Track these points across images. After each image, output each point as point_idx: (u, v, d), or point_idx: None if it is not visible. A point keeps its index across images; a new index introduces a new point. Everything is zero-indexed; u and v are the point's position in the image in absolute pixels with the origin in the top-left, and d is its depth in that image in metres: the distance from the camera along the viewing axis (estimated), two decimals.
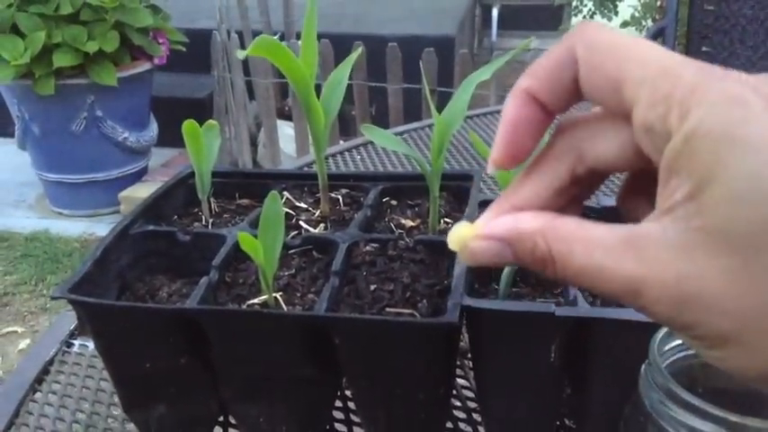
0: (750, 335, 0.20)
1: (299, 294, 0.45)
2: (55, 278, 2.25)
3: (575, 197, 0.26)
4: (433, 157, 0.48)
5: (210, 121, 0.54)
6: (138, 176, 2.64)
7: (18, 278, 2.27)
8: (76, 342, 0.61)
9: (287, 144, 2.63)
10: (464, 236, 0.25)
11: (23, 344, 1.99)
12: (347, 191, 0.56)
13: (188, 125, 0.50)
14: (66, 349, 0.60)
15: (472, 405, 0.52)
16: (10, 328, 2.07)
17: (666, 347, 0.32)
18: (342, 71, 0.51)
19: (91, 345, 0.60)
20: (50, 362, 0.58)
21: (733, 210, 0.19)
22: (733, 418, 0.28)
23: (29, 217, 2.62)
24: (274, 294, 0.44)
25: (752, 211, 0.19)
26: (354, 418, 0.51)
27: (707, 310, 0.20)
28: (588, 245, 0.22)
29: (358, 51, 0.52)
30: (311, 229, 0.51)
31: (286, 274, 0.47)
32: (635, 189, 0.25)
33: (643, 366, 0.32)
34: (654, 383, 0.31)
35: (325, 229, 0.52)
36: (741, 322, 0.20)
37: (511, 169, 0.25)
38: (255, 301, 0.44)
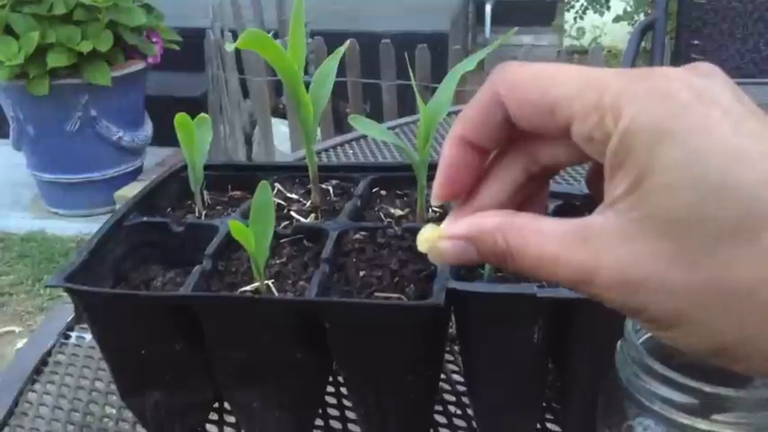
0: (695, 313, 0.21)
1: (290, 282, 0.47)
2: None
3: (533, 193, 0.27)
4: (420, 146, 0.49)
5: (203, 114, 0.55)
6: (133, 176, 2.65)
7: (15, 278, 2.28)
8: (73, 334, 0.62)
9: (282, 142, 2.63)
10: (431, 237, 0.26)
11: (21, 343, 2.00)
12: (337, 182, 0.58)
13: (180, 118, 0.51)
14: (64, 341, 0.61)
15: (461, 389, 0.53)
16: (7, 328, 2.08)
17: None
18: (330, 64, 0.52)
19: (87, 336, 0.61)
20: (48, 353, 0.59)
21: (666, 199, 0.21)
22: (706, 388, 0.29)
23: (24, 217, 2.63)
24: (266, 282, 0.46)
25: (682, 199, 0.20)
26: (346, 403, 0.52)
27: (653, 293, 0.21)
28: (542, 237, 0.23)
29: (346, 45, 0.53)
30: (302, 219, 0.53)
31: (277, 262, 0.48)
32: (599, 173, 0.26)
33: (619, 342, 0.33)
34: (629, 358, 0.32)
35: (316, 218, 0.53)
36: (685, 302, 0.21)
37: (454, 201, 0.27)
38: (248, 288, 0.46)
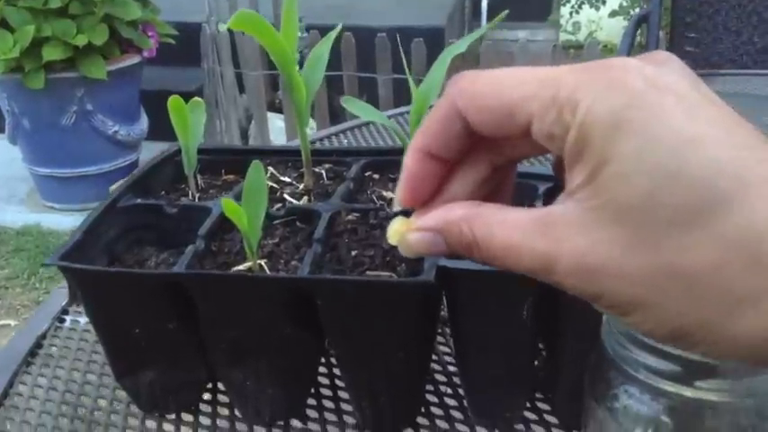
0: (652, 297, 0.21)
1: (282, 261, 0.47)
2: (47, 271, 2.26)
3: (501, 180, 0.28)
4: (412, 129, 0.50)
5: (196, 98, 0.55)
6: (128, 170, 2.64)
7: (10, 272, 2.28)
8: (68, 318, 0.62)
9: (277, 136, 2.64)
10: (401, 230, 0.27)
11: None
12: (330, 166, 0.58)
13: (174, 101, 0.52)
14: (59, 324, 0.61)
15: (452, 369, 0.54)
16: (3, 322, 2.08)
17: None
18: (323, 47, 0.52)
19: (82, 320, 0.61)
20: (43, 336, 0.60)
21: (621, 187, 0.21)
22: (690, 356, 0.30)
23: (20, 211, 2.63)
24: (259, 261, 0.46)
25: (637, 187, 0.21)
26: (339, 383, 0.52)
27: (610, 279, 0.22)
28: (506, 227, 0.24)
29: (338, 29, 0.53)
30: (295, 202, 0.53)
31: (270, 242, 0.49)
32: (562, 165, 0.27)
33: (605, 315, 0.34)
34: (614, 328, 0.32)
35: (309, 201, 0.53)
36: (642, 287, 0.21)
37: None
38: (241, 267, 0.46)
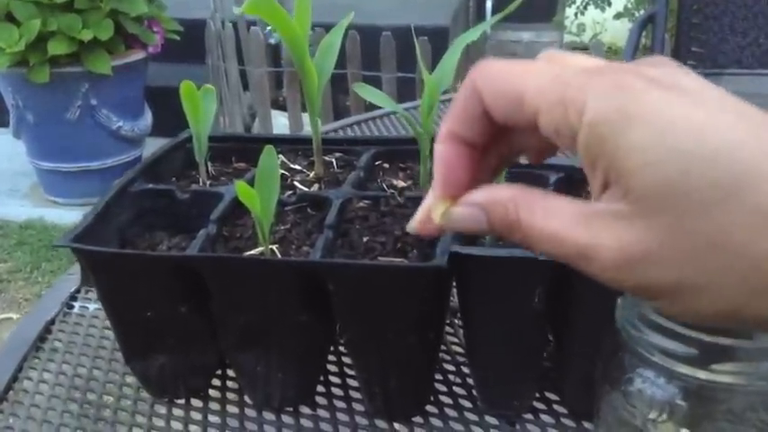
0: (700, 277, 0.22)
1: (294, 247, 0.47)
2: (50, 265, 2.26)
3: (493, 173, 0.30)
4: (423, 116, 0.50)
5: (207, 85, 0.56)
6: (132, 165, 2.59)
7: (13, 266, 2.28)
8: (77, 304, 0.62)
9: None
10: (444, 205, 0.27)
11: None
12: (340, 155, 0.58)
13: (186, 87, 0.52)
14: (67, 310, 0.61)
15: (462, 360, 0.54)
16: (5, 315, 2.08)
17: None
18: (335, 35, 0.52)
19: (91, 306, 0.61)
20: (51, 322, 0.60)
21: (649, 176, 0.22)
22: (705, 338, 0.30)
23: (23, 205, 2.63)
24: (270, 246, 0.46)
25: (664, 174, 0.21)
26: (348, 371, 0.53)
27: (655, 266, 0.22)
28: (548, 213, 0.25)
29: (350, 17, 0.53)
30: (306, 189, 0.53)
31: (281, 228, 0.49)
32: None
33: (619, 299, 0.34)
34: (629, 311, 0.33)
35: (320, 189, 0.53)
36: (688, 269, 0.22)
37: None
38: (253, 252, 0.46)
